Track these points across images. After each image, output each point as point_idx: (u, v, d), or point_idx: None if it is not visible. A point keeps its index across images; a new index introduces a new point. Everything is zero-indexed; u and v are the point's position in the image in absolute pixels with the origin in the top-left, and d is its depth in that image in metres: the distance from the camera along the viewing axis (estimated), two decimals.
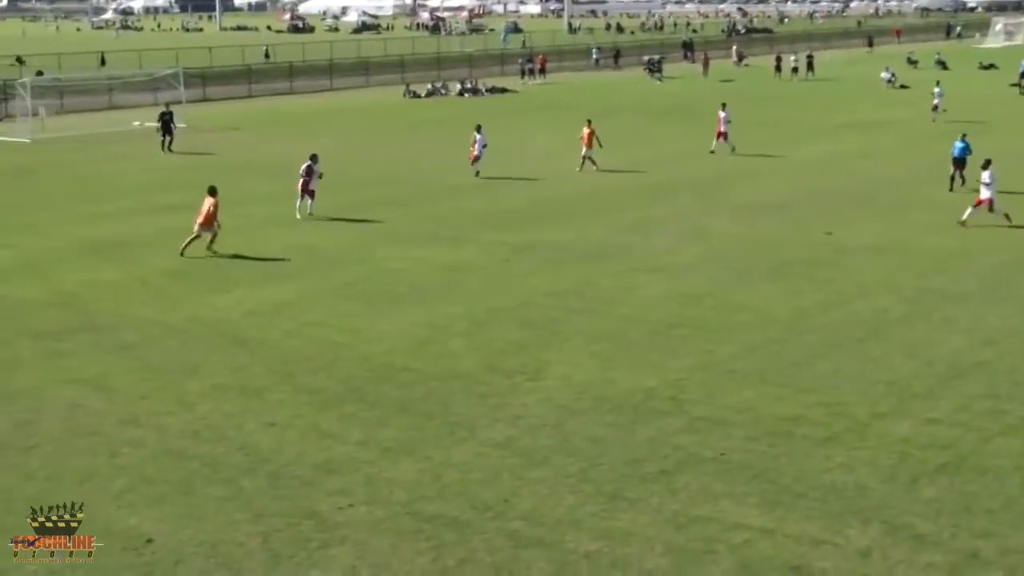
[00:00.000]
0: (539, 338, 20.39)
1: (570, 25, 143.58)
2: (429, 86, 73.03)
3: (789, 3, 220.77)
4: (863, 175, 38.26)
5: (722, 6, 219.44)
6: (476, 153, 38.18)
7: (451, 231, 29.67)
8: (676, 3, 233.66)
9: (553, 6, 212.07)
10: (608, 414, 16.68)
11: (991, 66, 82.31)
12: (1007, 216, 28.92)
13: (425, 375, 18.44)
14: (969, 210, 29.25)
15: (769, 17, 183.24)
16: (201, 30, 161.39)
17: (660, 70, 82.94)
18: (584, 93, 70.99)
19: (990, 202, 28.90)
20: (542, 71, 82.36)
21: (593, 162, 38.98)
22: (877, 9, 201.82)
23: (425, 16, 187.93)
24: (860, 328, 20.83)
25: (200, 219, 26.92)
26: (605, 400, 17.23)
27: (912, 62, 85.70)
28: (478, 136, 38.29)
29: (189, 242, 26.96)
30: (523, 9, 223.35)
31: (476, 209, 32.67)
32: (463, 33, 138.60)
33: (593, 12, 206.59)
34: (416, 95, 70.34)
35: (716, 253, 27.00)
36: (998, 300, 22.64)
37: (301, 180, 31.02)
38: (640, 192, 35.44)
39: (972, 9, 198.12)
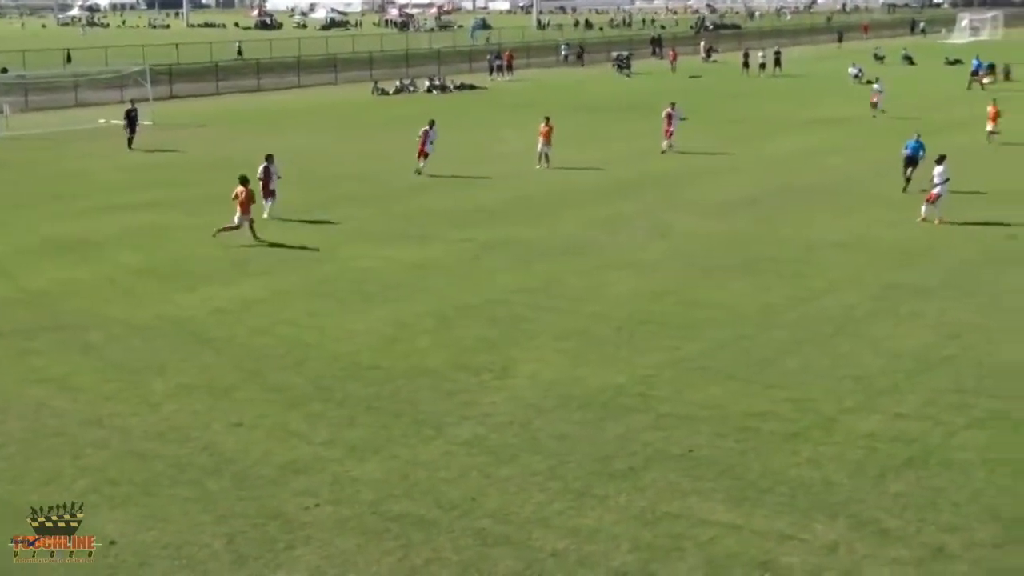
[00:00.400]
0: (507, 336, 20.35)
1: (539, 21, 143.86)
2: (397, 83, 72.92)
3: None
4: (830, 171, 38.42)
5: (691, 2, 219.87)
6: (427, 149, 37.78)
7: (419, 229, 29.56)
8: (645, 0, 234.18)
9: (522, 3, 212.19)
10: (576, 411, 16.66)
11: (957, 61, 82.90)
12: (939, 218, 29.03)
13: (393, 373, 18.36)
14: (924, 207, 29.49)
15: (738, 13, 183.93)
16: (168, 27, 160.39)
17: (628, 66, 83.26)
18: (552, 89, 71.04)
19: (937, 197, 29.12)
20: (509, 67, 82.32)
21: (547, 158, 39.01)
22: (844, 5, 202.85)
23: (394, 13, 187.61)
24: (828, 324, 20.90)
25: (240, 209, 27.64)
26: (573, 398, 17.20)
27: (879, 58, 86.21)
28: (430, 131, 37.92)
29: (251, 229, 27.69)
30: (492, 6, 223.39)
31: (444, 207, 32.57)
32: (432, 30, 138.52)
33: (562, 8, 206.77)
34: (384, 92, 70.17)
35: (684, 250, 27.04)
36: (963, 295, 22.80)
37: (260, 183, 30.87)
38: (608, 189, 35.43)
39: (938, 5, 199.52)
